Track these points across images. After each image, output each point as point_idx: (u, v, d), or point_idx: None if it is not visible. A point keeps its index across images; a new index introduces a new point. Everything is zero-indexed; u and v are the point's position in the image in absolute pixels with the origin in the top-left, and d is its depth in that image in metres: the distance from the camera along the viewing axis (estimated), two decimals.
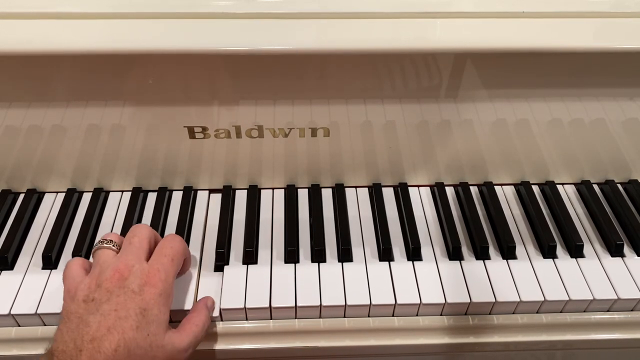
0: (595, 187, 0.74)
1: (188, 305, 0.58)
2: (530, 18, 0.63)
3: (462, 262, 0.64)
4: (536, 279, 0.61)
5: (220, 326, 0.59)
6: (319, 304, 0.58)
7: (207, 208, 0.71)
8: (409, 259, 0.64)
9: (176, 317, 0.58)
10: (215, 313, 0.58)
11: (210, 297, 0.58)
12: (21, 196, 0.71)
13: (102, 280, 0.51)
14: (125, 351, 0.47)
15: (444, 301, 0.59)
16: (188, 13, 0.61)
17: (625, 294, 0.60)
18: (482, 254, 0.64)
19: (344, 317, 0.60)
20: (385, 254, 0.63)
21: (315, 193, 0.71)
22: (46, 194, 0.72)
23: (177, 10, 0.61)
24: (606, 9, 0.64)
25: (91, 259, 0.56)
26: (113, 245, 0.55)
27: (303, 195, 0.72)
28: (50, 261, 0.62)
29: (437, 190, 0.72)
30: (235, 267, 0.62)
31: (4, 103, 0.63)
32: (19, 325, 0.59)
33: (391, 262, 0.63)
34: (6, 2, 0.61)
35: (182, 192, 0.72)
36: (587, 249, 0.65)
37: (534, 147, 0.70)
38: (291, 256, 0.63)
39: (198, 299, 0.59)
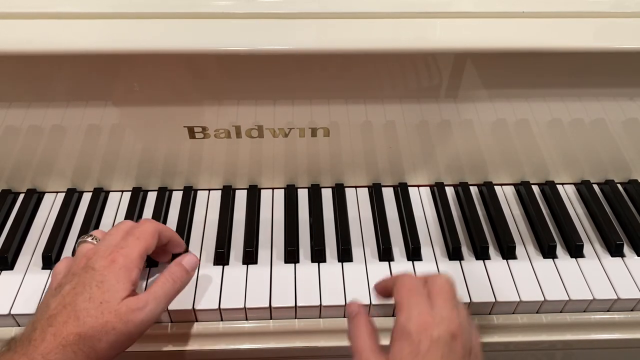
0: (595, 187, 0.74)
1: (187, 305, 0.58)
2: (530, 18, 0.63)
3: (462, 262, 0.64)
4: (536, 279, 0.62)
5: (220, 326, 0.59)
6: (319, 304, 0.58)
7: (207, 208, 0.71)
8: (409, 259, 0.64)
9: (176, 318, 0.58)
10: (216, 313, 0.58)
11: (189, 254, 0.57)
12: (21, 196, 0.71)
13: (71, 267, 0.52)
14: (74, 320, 0.47)
15: None
16: (188, 13, 0.61)
17: (625, 294, 0.60)
18: (482, 254, 0.64)
19: (344, 317, 0.60)
20: (385, 254, 0.64)
21: (315, 193, 0.72)
22: (46, 194, 0.72)
23: (177, 10, 0.61)
24: (606, 9, 0.64)
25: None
26: (93, 239, 0.55)
27: (303, 195, 0.72)
28: (50, 261, 0.62)
29: (437, 190, 0.72)
30: (235, 267, 0.62)
31: (4, 103, 0.63)
32: (19, 325, 0.59)
33: (391, 262, 0.63)
34: (6, 2, 0.61)
35: (182, 192, 0.72)
36: (587, 249, 0.65)
37: (534, 147, 0.70)
38: (291, 256, 0.63)
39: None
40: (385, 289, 0.55)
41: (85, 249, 0.54)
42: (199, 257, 0.63)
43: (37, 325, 0.48)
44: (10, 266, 0.63)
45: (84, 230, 0.66)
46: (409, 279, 0.52)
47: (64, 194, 0.71)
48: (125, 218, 0.68)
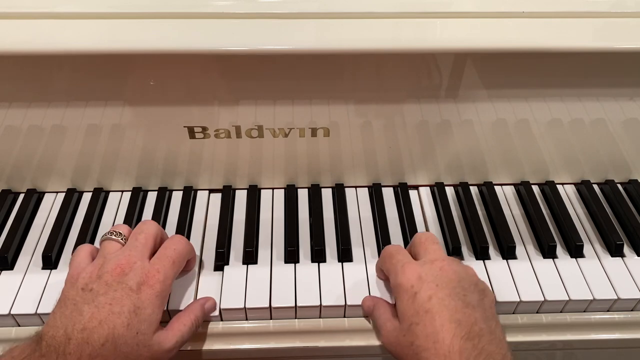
0: (595, 187, 0.74)
1: (187, 305, 0.58)
2: (530, 18, 0.63)
3: (462, 262, 0.64)
4: (536, 279, 0.62)
5: (220, 326, 0.59)
6: (319, 304, 0.58)
7: (207, 208, 0.71)
8: None
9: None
10: (215, 313, 0.58)
11: (211, 298, 0.58)
12: (21, 196, 0.71)
13: (103, 272, 0.51)
14: (112, 347, 0.47)
15: None
16: (188, 13, 0.61)
17: (625, 294, 0.60)
18: (482, 254, 0.64)
19: (344, 317, 0.60)
20: None
21: (315, 193, 0.72)
22: (46, 194, 0.72)
23: (177, 10, 0.61)
24: (606, 9, 0.64)
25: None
26: (121, 239, 0.55)
27: (303, 195, 0.72)
28: (50, 261, 0.62)
29: (437, 190, 0.72)
30: (235, 267, 0.62)
31: (4, 103, 0.63)
32: (19, 325, 0.59)
33: None
34: (6, 2, 0.61)
35: (182, 192, 0.72)
36: (587, 249, 0.65)
37: (534, 147, 0.70)
38: (291, 256, 0.63)
39: (195, 296, 0.59)
40: (380, 270, 0.60)
41: (114, 249, 0.54)
42: (198, 257, 0.63)
43: (72, 336, 0.47)
44: (10, 266, 0.63)
45: (84, 230, 0.66)
46: (389, 247, 0.59)
47: (64, 194, 0.71)
48: (126, 218, 0.68)
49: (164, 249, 0.55)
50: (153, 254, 0.55)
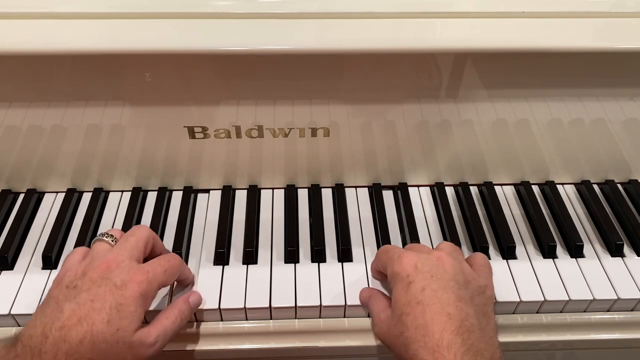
0: (595, 187, 0.74)
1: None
2: (530, 18, 0.63)
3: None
4: (536, 279, 0.62)
5: (220, 326, 0.59)
6: (319, 304, 0.58)
7: (207, 208, 0.71)
8: None
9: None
10: (216, 313, 0.58)
11: (196, 292, 0.58)
12: (21, 196, 0.71)
13: (88, 269, 0.51)
14: (90, 344, 0.46)
15: None
16: (188, 13, 0.61)
17: (625, 294, 0.60)
18: None
19: (344, 317, 0.60)
20: None
21: (315, 193, 0.72)
22: (46, 194, 0.72)
23: (177, 10, 0.61)
24: (606, 9, 0.64)
25: None
26: (112, 240, 0.55)
27: (303, 195, 0.72)
28: (50, 261, 0.62)
29: (437, 190, 0.72)
30: (235, 267, 0.62)
31: (4, 103, 0.63)
32: (19, 325, 0.59)
33: None
34: (6, 2, 0.61)
35: (182, 192, 0.72)
36: (587, 249, 0.65)
37: (534, 147, 0.70)
38: (291, 256, 0.63)
39: (181, 294, 0.59)
40: (376, 271, 0.60)
41: (103, 249, 0.53)
42: (198, 257, 0.63)
43: (49, 334, 0.46)
44: (10, 266, 0.63)
45: (84, 230, 0.66)
46: (384, 246, 0.59)
47: (64, 194, 0.71)
48: (126, 218, 0.68)
49: (157, 259, 0.55)
50: (144, 259, 0.55)
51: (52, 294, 0.50)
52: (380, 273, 0.59)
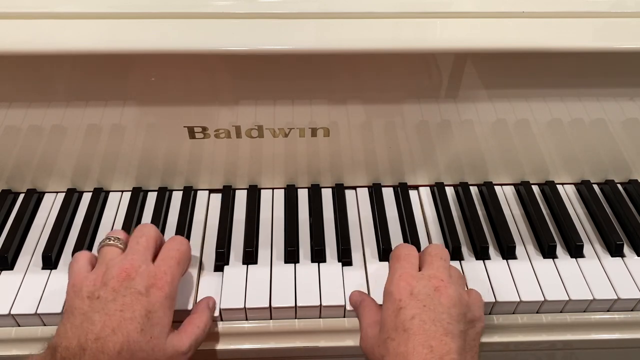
0: (595, 187, 0.74)
1: (188, 305, 0.58)
2: (530, 18, 0.63)
3: (462, 262, 0.64)
4: (536, 279, 0.62)
5: (220, 326, 0.59)
6: (318, 304, 0.58)
7: (207, 208, 0.71)
8: None
9: (176, 317, 0.58)
10: (215, 313, 0.58)
11: (211, 298, 0.58)
12: (21, 196, 0.71)
13: (108, 279, 0.50)
14: (128, 354, 0.46)
15: None
16: (188, 13, 0.61)
17: (625, 294, 0.60)
18: (482, 254, 0.64)
19: (344, 317, 0.60)
20: (385, 254, 0.63)
21: (315, 193, 0.72)
22: (46, 194, 0.72)
23: (177, 10, 0.61)
24: (606, 9, 0.64)
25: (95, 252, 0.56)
26: (120, 243, 0.55)
27: (303, 195, 0.72)
28: (50, 261, 0.62)
29: (437, 190, 0.72)
30: (235, 267, 0.62)
31: (4, 103, 0.63)
32: (19, 325, 0.59)
33: None
34: (6, 2, 0.61)
35: (182, 192, 0.72)
36: (587, 249, 0.65)
37: (534, 147, 0.70)
38: (291, 256, 0.63)
39: (198, 299, 0.59)
40: None
41: (115, 255, 0.53)
42: (198, 257, 0.64)
43: (86, 346, 0.46)
44: (10, 266, 0.63)
45: (84, 230, 0.66)
46: (400, 247, 0.58)
47: (64, 194, 0.71)
48: (126, 218, 0.68)
49: (167, 251, 0.55)
50: (154, 257, 0.55)
51: (74, 304, 0.50)
52: None
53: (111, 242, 0.55)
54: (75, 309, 0.49)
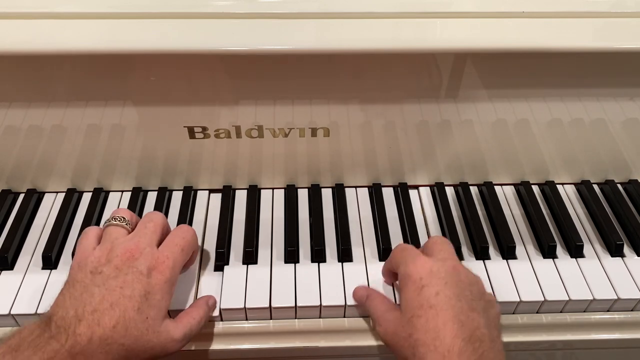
0: (595, 187, 0.74)
1: (187, 304, 0.58)
2: (530, 18, 0.63)
3: (462, 262, 0.63)
4: (536, 279, 0.62)
5: (220, 326, 0.59)
6: (319, 304, 0.58)
7: (207, 208, 0.71)
8: None
9: (174, 316, 0.58)
10: (215, 313, 0.58)
11: (212, 296, 0.59)
12: (21, 196, 0.71)
13: (112, 257, 0.51)
14: (123, 329, 0.47)
15: None
16: (188, 13, 0.61)
17: (625, 294, 0.60)
18: (482, 254, 0.64)
19: (344, 317, 0.60)
20: (386, 254, 0.63)
21: (315, 193, 0.72)
22: (46, 194, 0.72)
23: (177, 10, 0.61)
24: (606, 9, 0.64)
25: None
26: (125, 223, 0.55)
27: (303, 195, 0.72)
28: (50, 261, 0.62)
29: (437, 190, 0.72)
30: (235, 267, 0.62)
31: (4, 103, 0.63)
32: (19, 325, 0.59)
33: None
34: (6, 2, 0.61)
35: (182, 192, 0.72)
36: (587, 249, 0.65)
37: (534, 147, 0.70)
38: (291, 256, 0.63)
39: (196, 296, 0.59)
40: (388, 271, 0.59)
41: (120, 234, 0.54)
42: (198, 257, 0.63)
43: (82, 317, 0.47)
44: (10, 266, 0.63)
45: None
46: (400, 245, 0.58)
47: (64, 194, 0.71)
48: None
49: (172, 237, 0.55)
50: (160, 244, 0.55)
51: (76, 277, 0.51)
52: (390, 275, 0.59)
53: (116, 222, 0.55)
54: (76, 282, 0.50)
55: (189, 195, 0.71)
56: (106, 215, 0.70)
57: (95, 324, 0.47)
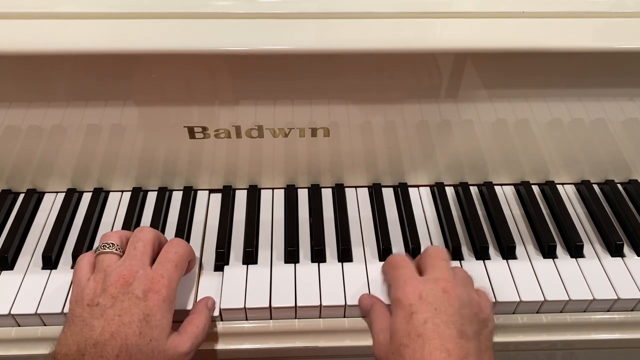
0: (595, 187, 0.74)
1: (188, 305, 0.58)
2: (530, 18, 0.63)
3: (462, 262, 0.64)
4: (536, 279, 0.62)
5: (220, 326, 0.59)
6: (319, 304, 0.58)
7: (207, 208, 0.71)
8: None
9: (176, 317, 0.58)
10: (215, 313, 0.58)
11: (210, 297, 0.58)
12: (21, 196, 0.71)
13: (106, 286, 0.51)
14: (127, 357, 0.47)
15: None
16: (188, 13, 0.61)
17: (625, 294, 0.60)
18: (482, 254, 0.64)
19: (344, 317, 0.60)
20: (385, 254, 0.63)
21: (315, 193, 0.72)
22: (46, 194, 0.72)
23: (177, 10, 0.61)
24: (606, 9, 0.64)
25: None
26: (115, 249, 0.55)
27: (303, 195, 0.72)
28: (50, 261, 0.62)
29: (437, 190, 0.72)
30: (235, 267, 0.62)
31: (4, 103, 0.63)
32: (19, 325, 0.59)
33: None
34: (6, 2, 0.61)
35: (182, 192, 0.72)
36: (587, 249, 0.65)
37: (534, 147, 0.70)
38: (291, 256, 0.63)
39: (198, 299, 0.59)
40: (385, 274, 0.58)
41: (112, 261, 0.53)
42: (198, 257, 0.63)
43: (85, 352, 0.47)
44: (10, 266, 0.63)
45: (84, 230, 0.66)
46: (394, 256, 0.57)
47: (64, 194, 0.71)
48: (126, 218, 0.68)
49: (165, 253, 0.55)
50: (153, 259, 0.55)
51: (75, 313, 0.50)
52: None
53: (106, 249, 0.55)
54: (75, 317, 0.50)
55: (189, 196, 0.71)
56: (106, 215, 0.69)
57: (98, 356, 0.46)
